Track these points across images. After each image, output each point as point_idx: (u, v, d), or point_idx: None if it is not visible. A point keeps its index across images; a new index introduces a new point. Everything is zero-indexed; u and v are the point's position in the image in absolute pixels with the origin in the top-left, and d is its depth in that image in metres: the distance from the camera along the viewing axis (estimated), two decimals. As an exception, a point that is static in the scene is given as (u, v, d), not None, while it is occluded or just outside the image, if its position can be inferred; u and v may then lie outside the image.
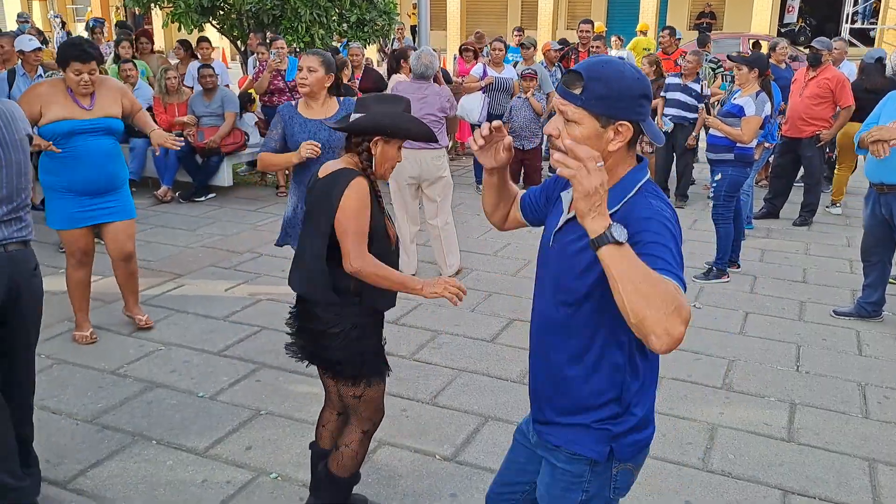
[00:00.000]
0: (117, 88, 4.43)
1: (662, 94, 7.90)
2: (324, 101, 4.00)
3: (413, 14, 20.12)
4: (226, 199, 8.09)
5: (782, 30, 22.96)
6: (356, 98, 3.31)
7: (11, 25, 20.41)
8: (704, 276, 5.81)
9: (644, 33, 13.33)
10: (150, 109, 7.69)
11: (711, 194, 5.92)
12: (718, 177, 5.76)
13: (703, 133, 9.17)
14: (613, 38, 12.07)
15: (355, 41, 10.10)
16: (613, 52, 11.40)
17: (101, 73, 4.32)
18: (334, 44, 10.93)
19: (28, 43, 6.55)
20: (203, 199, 8.05)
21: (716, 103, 8.33)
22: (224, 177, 8.22)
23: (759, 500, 3.16)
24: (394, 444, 3.50)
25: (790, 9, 23.37)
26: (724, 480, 3.29)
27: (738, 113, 5.58)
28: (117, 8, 22.86)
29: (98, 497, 3.10)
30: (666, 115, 7.80)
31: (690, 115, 7.72)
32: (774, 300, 5.42)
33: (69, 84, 4.16)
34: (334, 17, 9.91)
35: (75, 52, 4.12)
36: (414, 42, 12.14)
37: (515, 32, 10.68)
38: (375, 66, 10.47)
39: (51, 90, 4.21)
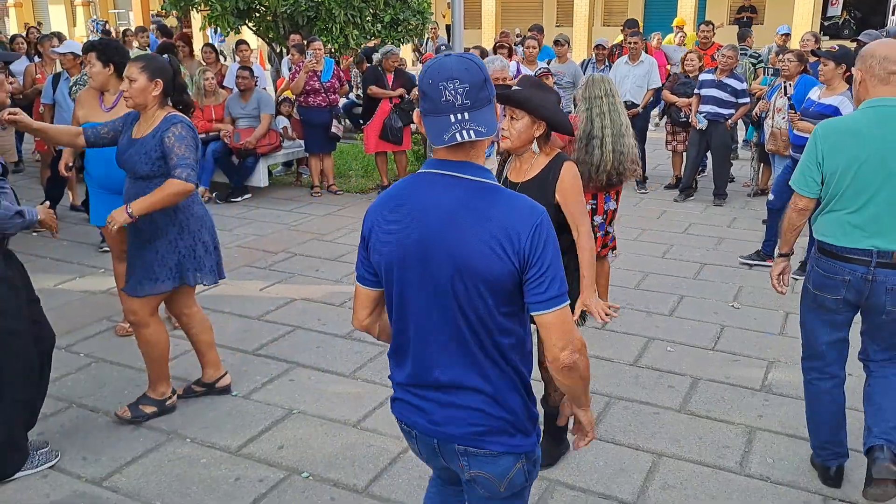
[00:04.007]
0: None
1: (697, 90, 7.76)
2: (153, 115, 3.50)
3: (447, 13, 20.11)
4: (261, 200, 8.18)
5: (825, 23, 22.43)
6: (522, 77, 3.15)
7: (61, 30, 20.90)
8: (802, 272, 5.64)
9: (681, 28, 13.12)
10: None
11: (771, 196, 5.87)
12: None
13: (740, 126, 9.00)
14: (655, 36, 11.94)
15: (389, 41, 10.13)
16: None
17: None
18: (369, 45, 10.98)
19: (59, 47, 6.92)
20: (239, 199, 8.15)
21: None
22: (260, 177, 8.31)
23: (799, 505, 3.08)
24: (425, 445, 3.49)
25: (834, 2, 22.81)
26: (763, 485, 3.20)
27: (834, 113, 5.37)
28: (157, 12, 23.29)
29: (133, 494, 3.15)
30: (700, 112, 7.66)
31: (726, 112, 7.57)
32: (816, 300, 5.28)
33: None
34: (368, 18, 9.95)
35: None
36: (448, 41, 12.12)
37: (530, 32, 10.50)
38: (410, 66, 10.51)
39: (86, 95, 4.42)
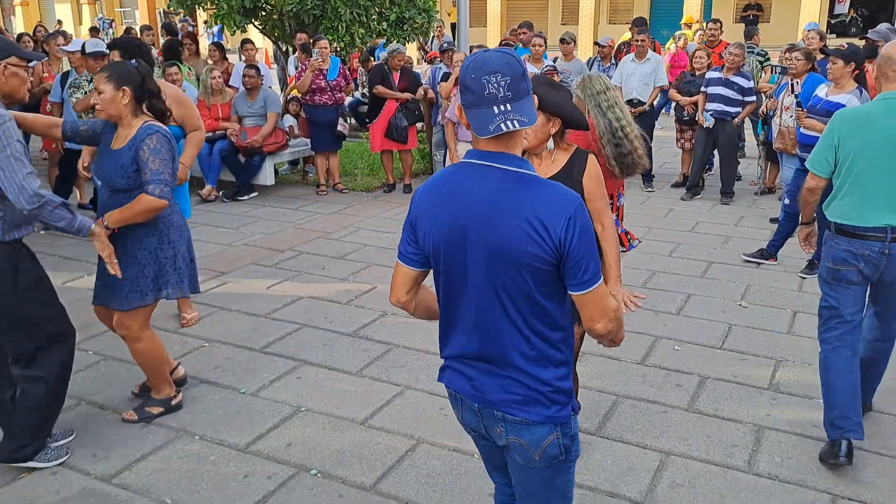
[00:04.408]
0: (172, 97, 4.40)
1: (703, 88, 7.74)
2: (129, 124, 3.41)
3: (452, 11, 20.10)
4: (267, 198, 8.19)
5: (832, 21, 22.36)
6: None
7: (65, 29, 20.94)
8: (810, 271, 5.70)
9: (689, 26, 13.09)
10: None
11: (785, 194, 5.88)
12: None
13: (749, 125, 8.99)
14: (682, 36, 11.93)
15: (394, 40, 10.13)
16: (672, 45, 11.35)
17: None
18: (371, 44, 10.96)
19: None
20: (246, 198, 8.16)
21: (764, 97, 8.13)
22: (266, 176, 8.32)
23: (807, 504, 3.08)
24: (433, 444, 3.50)
25: (841, -1, 22.74)
26: (771, 484, 3.20)
27: None
28: (163, 10, 23.35)
29: (143, 491, 3.16)
30: (707, 111, 7.64)
31: (732, 110, 7.56)
32: (824, 299, 5.27)
33: None
34: (374, 16, 9.95)
35: None
36: (454, 40, 12.12)
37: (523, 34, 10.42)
38: (416, 64, 10.51)
39: None
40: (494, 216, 1.85)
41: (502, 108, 1.80)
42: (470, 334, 1.99)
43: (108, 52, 7.38)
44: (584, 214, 1.86)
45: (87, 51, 6.03)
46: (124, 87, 3.35)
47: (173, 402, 3.75)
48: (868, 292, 3.41)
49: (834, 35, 20.66)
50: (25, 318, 3.18)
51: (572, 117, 2.92)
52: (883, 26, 7.24)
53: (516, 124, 1.80)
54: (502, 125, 1.79)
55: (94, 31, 18.60)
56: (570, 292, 1.92)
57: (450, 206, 1.92)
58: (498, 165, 1.88)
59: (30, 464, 3.29)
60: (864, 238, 3.24)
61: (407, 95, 8.20)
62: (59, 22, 24.86)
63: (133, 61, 3.55)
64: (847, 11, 22.89)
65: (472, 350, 2.00)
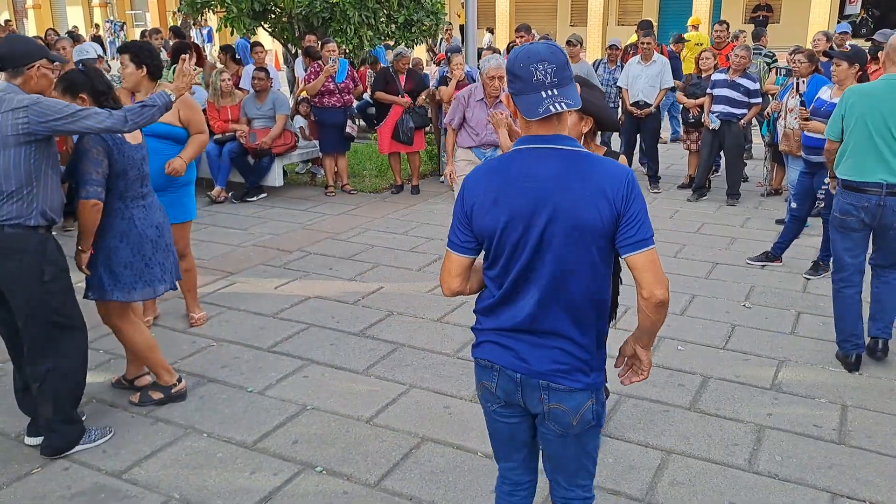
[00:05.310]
0: (180, 99, 4.50)
1: (709, 90, 7.75)
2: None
3: (461, 13, 20.14)
4: (276, 199, 8.26)
5: (843, 22, 22.25)
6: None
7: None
8: (814, 272, 5.78)
9: (696, 28, 13.07)
10: (203, 112, 7.87)
11: (791, 197, 6.01)
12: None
13: (754, 127, 8.99)
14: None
15: (403, 42, 10.19)
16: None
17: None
18: (381, 46, 11.03)
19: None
20: (255, 199, 8.24)
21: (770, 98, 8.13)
22: (275, 177, 8.40)
23: (806, 502, 3.10)
24: (436, 441, 3.54)
25: (852, 0, 22.63)
26: (771, 482, 3.23)
27: None
28: (174, 13, 23.53)
29: (151, 486, 3.22)
30: (713, 112, 7.65)
31: (738, 112, 7.57)
32: (828, 300, 5.26)
33: None
34: (382, 19, 10.02)
35: None
36: (462, 42, 12.16)
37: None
38: (425, 66, 10.57)
39: (118, 95, 4.47)
40: (563, 192, 1.98)
41: (550, 92, 1.95)
42: (527, 309, 2.08)
43: (96, 56, 7.47)
44: (636, 182, 2.02)
45: (74, 58, 6.05)
46: (81, 95, 3.44)
47: (173, 391, 3.86)
48: (871, 239, 4.20)
49: (844, 36, 20.54)
50: (42, 309, 3.28)
51: (605, 118, 2.96)
52: (887, 31, 7.26)
53: (563, 106, 1.95)
54: (551, 107, 1.94)
55: (71, 35, 18.72)
56: (623, 255, 2.02)
57: (514, 190, 2.02)
58: (556, 146, 2.02)
59: (77, 448, 3.45)
60: (863, 192, 4.02)
61: (406, 101, 8.23)
62: (97, 26, 25.06)
63: (80, 66, 3.61)
64: (858, 12, 22.78)
65: (523, 325, 2.10)
